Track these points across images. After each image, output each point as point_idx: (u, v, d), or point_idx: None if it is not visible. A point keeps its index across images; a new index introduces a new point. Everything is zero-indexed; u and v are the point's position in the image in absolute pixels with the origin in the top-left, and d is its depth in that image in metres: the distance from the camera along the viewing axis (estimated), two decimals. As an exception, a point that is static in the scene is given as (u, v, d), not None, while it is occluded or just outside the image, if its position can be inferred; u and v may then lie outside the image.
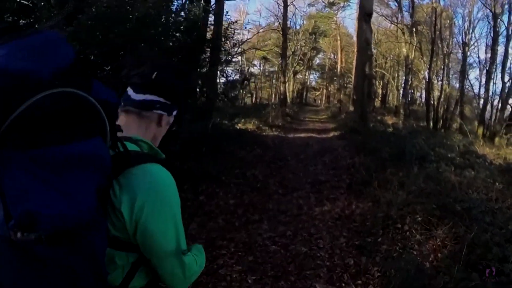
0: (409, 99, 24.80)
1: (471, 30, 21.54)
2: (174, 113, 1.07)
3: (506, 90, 16.24)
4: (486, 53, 37.09)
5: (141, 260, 0.91)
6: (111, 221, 0.85)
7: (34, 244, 0.60)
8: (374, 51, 17.88)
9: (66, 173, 0.65)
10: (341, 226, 4.40)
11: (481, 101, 20.99)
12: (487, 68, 17.47)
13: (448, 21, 21.56)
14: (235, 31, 11.21)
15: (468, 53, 22.49)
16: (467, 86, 23.44)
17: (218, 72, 9.58)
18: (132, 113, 1.00)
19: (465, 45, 20.61)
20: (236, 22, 12.16)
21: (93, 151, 0.69)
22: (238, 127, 11.54)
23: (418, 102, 35.11)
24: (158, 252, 0.89)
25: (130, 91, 1.00)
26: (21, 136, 0.61)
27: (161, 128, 1.05)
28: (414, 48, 18.17)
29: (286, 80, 21.15)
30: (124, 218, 0.85)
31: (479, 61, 25.06)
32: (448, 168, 5.26)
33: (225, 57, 9.64)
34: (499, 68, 18.31)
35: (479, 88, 26.91)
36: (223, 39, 8.97)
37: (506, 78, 16.29)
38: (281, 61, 21.24)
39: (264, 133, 11.85)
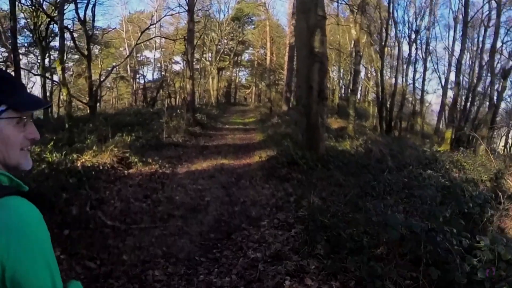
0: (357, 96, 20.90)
1: (420, 18, 18.20)
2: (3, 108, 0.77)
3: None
4: (435, 44, 35.14)
5: None
6: None
7: None
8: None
9: None
10: None
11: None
12: (457, 57, 13.68)
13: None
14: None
15: (414, 45, 19.28)
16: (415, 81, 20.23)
17: None
18: None
19: (417, 33, 17.01)
20: None
21: None
22: (79, 166, 5.84)
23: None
24: None
25: None
26: None
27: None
28: (363, 31, 13.85)
29: (193, 75, 15.40)
30: None
31: (425, 53, 21.86)
32: None
33: None
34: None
35: (422, 82, 24.08)
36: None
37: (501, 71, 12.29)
38: (186, 49, 15.65)
39: (129, 171, 6.25)
